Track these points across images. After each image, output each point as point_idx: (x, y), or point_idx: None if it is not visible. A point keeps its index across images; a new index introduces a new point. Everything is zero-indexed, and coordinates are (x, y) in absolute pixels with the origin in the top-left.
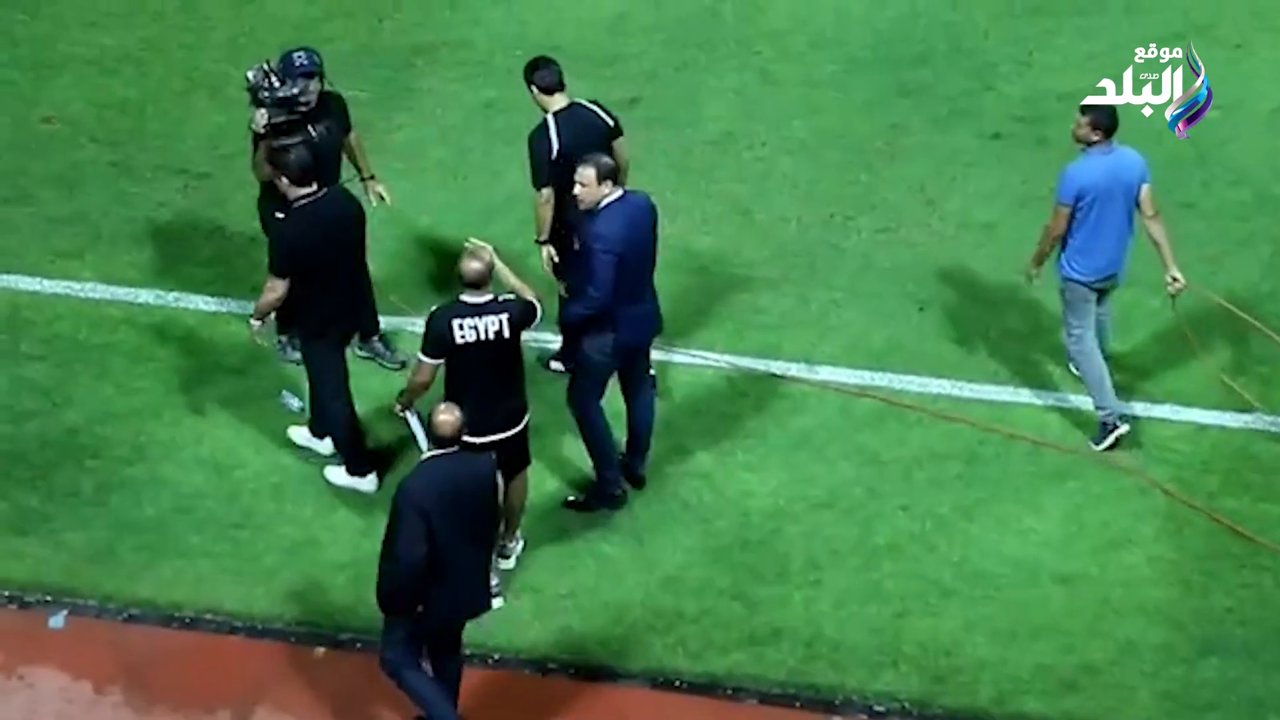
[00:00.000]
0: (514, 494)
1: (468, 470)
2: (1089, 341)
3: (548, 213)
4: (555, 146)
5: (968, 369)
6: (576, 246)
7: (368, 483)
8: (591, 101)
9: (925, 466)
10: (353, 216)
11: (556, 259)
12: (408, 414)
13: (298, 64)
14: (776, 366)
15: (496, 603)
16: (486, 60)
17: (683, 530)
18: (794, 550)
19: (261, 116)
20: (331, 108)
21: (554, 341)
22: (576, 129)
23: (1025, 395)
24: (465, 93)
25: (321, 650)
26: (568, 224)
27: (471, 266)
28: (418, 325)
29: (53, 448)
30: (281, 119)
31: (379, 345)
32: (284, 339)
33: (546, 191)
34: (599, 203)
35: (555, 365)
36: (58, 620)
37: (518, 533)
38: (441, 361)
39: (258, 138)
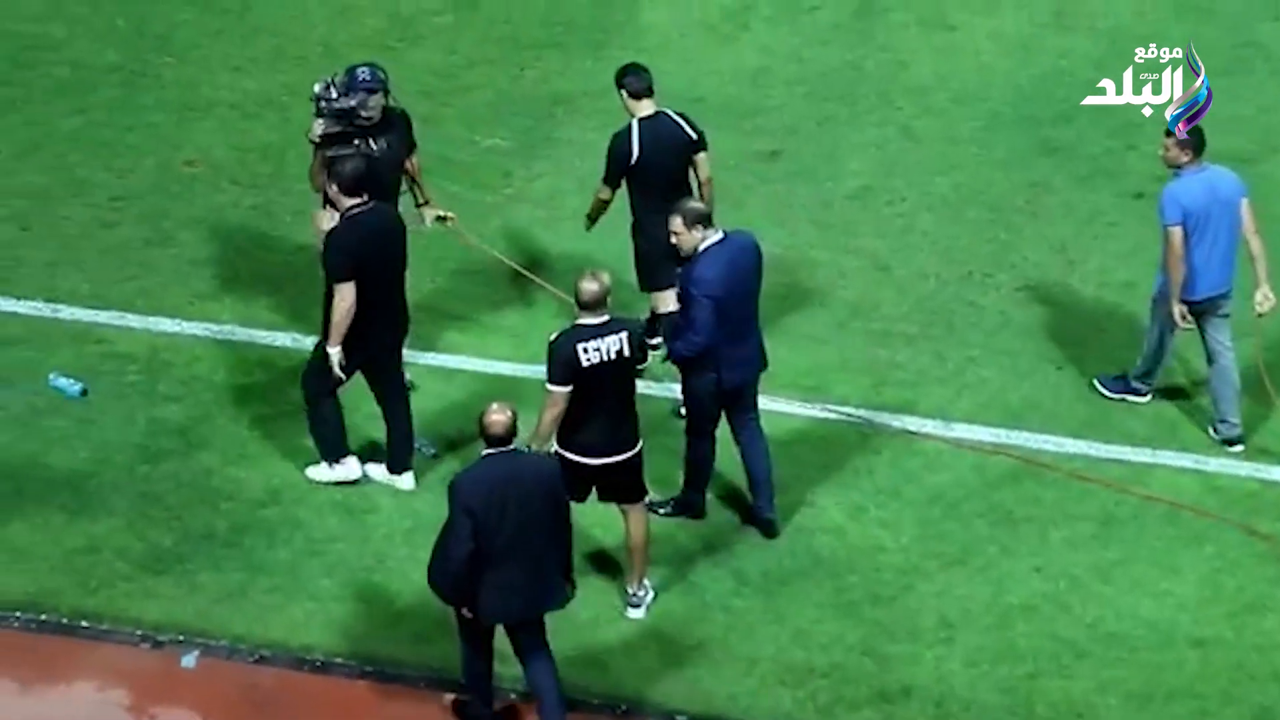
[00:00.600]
0: (634, 532)
1: (525, 470)
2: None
3: (602, 205)
4: (636, 152)
5: (1104, 429)
6: (678, 290)
7: (349, 467)
8: (678, 113)
9: (1060, 526)
10: (397, 233)
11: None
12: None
13: (360, 78)
14: (912, 422)
15: (636, 614)
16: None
17: (814, 585)
18: (926, 607)
19: (319, 126)
20: (396, 125)
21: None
22: (659, 137)
23: (1163, 457)
24: (604, 143)
25: (450, 696)
26: (638, 227)
27: (589, 287)
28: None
29: (188, 488)
30: (336, 130)
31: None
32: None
33: (609, 191)
34: (697, 247)
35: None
36: (189, 660)
37: (647, 582)
38: (570, 389)
39: (315, 147)
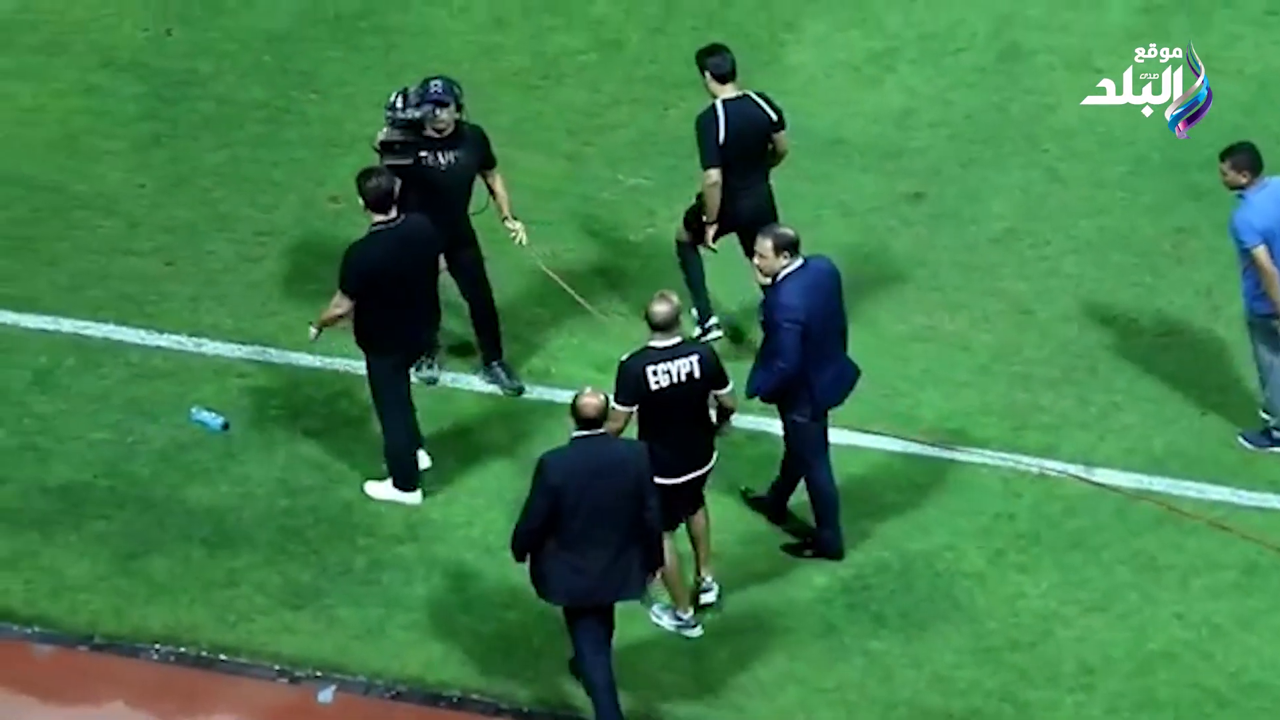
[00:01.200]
0: (698, 523)
1: (612, 455)
2: None
3: (717, 194)
4: (723, 132)
5: (1248, 476)
6: (761, 318)
7: (412, 498)
8: (759, 94)
9: (1202, 574)
10: (424, 243)
11: (713, 240)
12: None
13: (430, 90)
14: (1053, 466)
15: (709, 597)
16: None
17: (953, 629)
18: (1065, 654)
19: (382, 134)
20: (469, 139)
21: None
22: (742, 118)
23: None
24: None
25: None
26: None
27: (660, 309)
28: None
29: (327, 524)
30: (396, 139)
31: (499, 370)
32: (424, 360)
33: (715, 173)
34: (778, 274)
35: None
36: (326, 695)
37: (708, 577)
38: (635, 409)
39: (379, 154)
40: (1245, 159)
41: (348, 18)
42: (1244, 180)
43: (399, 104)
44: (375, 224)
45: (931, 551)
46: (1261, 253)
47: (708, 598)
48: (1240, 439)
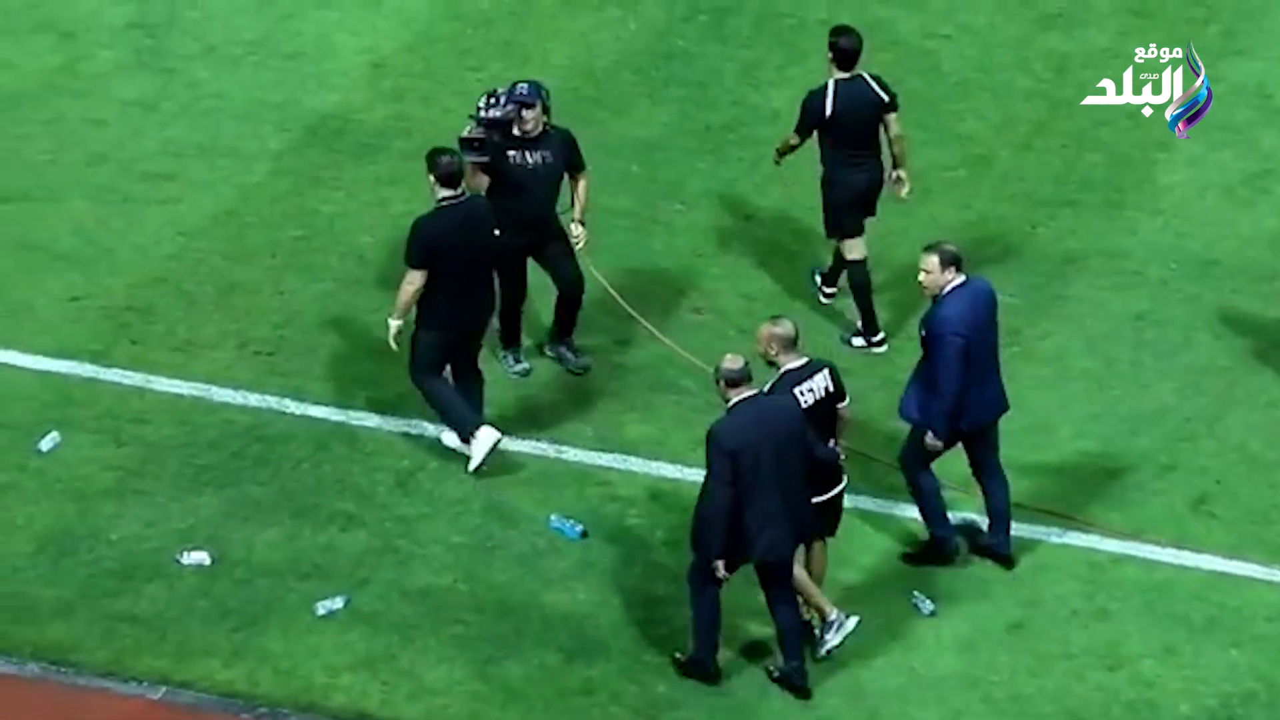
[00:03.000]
0: (815, 561)
1: (774, 410)
2: None
3: (789, 148)
4: (829, 109)
5: None
6: (923, 333)
7: (483, 439)
8: (873, 75)
9: None
10: (483, 224)
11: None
12: None
13: (516, 91)
14: None
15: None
16: (1140, 270)
17: None
18: None
19: (466, 129)
20: (555, 142)
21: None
22: (853, 97)
23: None
24: (1115, 302)
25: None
26: (827, 179)
27: (785, 330)
28: None
29: (684, 635)
30: (477, 136)
31: (564, 349)
32: (508, 353)
33: (797, 138)
34: (943, 289)
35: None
36: None
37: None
38: None
39: (460, 149)
40: None
41: (717, 129)
42: None
43: (484, 104)
44: (441, 200)
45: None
46: None
47: (852, 621)
48: None
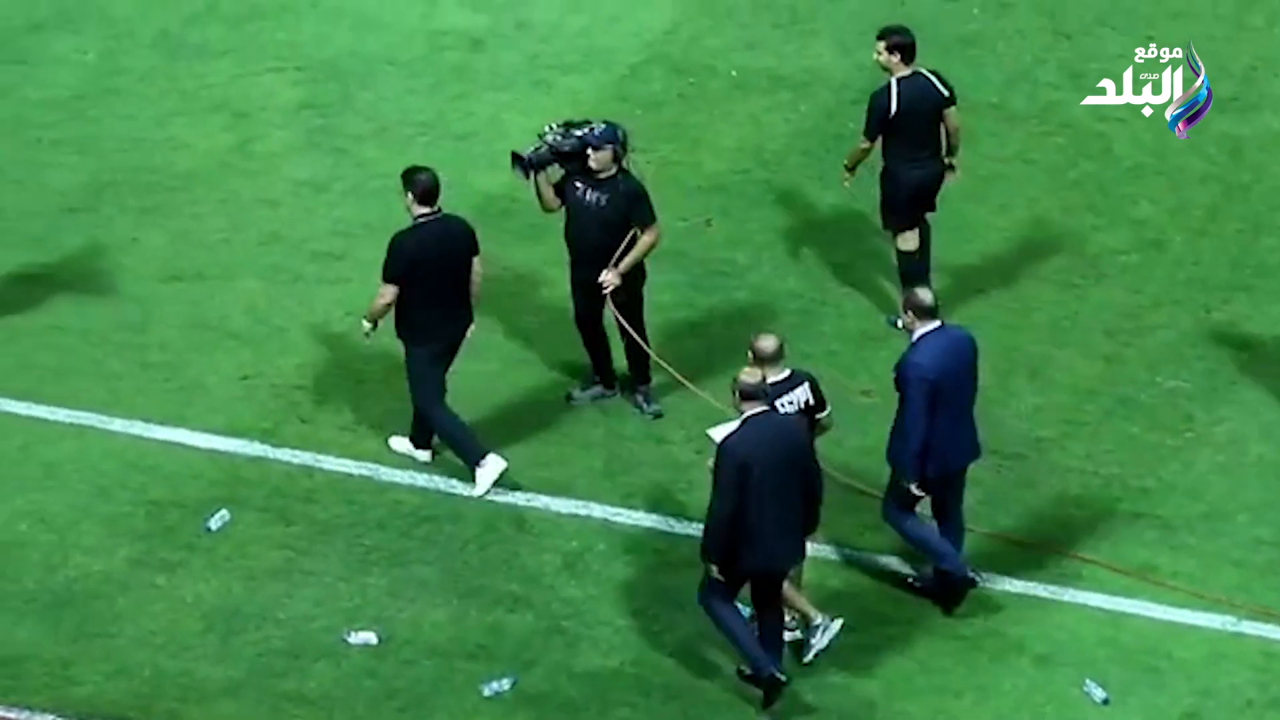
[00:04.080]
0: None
1: (780, 427)
2: None
3: (862, 155)
4: (894, 107)
5: None
6: (895, 375)
7: (490, 467)
8: (931, 71)
9: None
10: (459, 240)
11: (848, 179)
12: None
13: (591, 130)
14: None
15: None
16: None
17: None
18: None
19: (528, 148)
20: (620, 189)
21: None
22: (915, 93)
23: None
24: None
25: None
26: (887, 172)
27: (770, 343)
28: None
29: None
30: (528, 156)
31: (639, 397)
32: (575, 390)
33: (869, 142)
34: (915, 334)
35: None
36: None
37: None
38: None
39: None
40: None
41: None
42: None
43: (552, 126)
44: (418, 216)
45: None
46: None
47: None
48: None
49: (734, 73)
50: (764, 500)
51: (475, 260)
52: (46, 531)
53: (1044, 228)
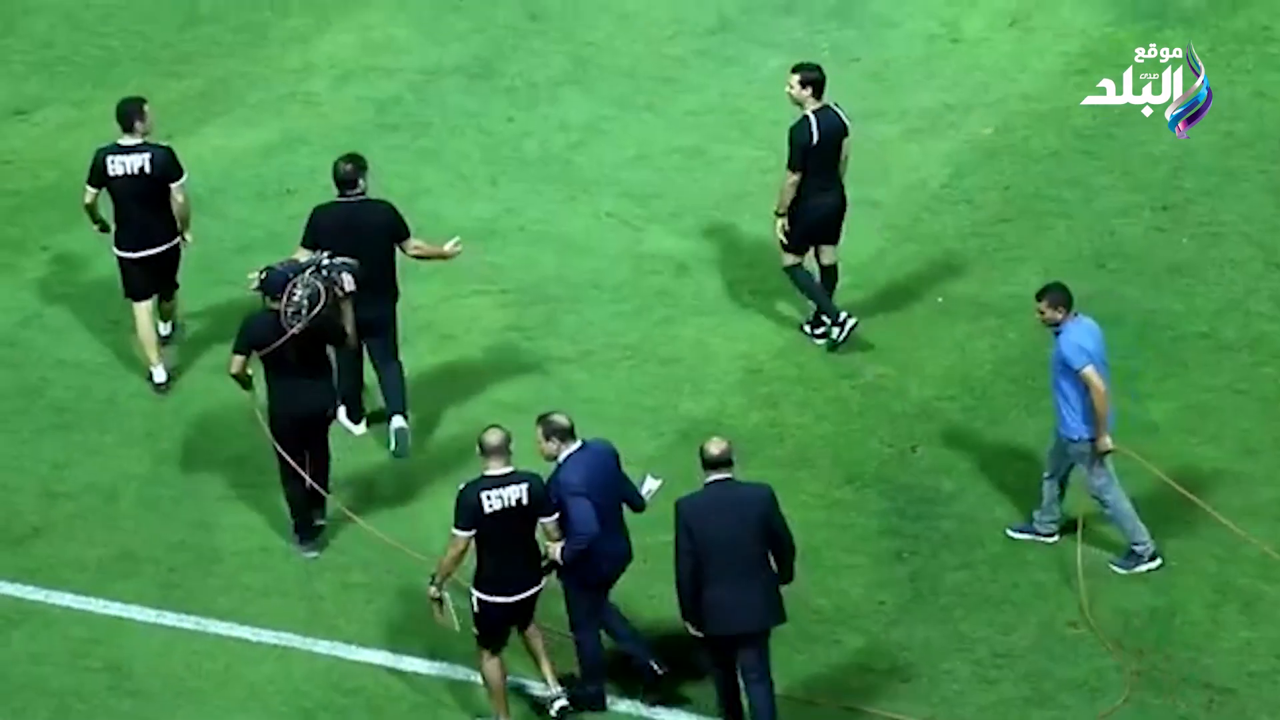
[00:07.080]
0: (533, 640)
1: (734, 495)
2: None
3: (791, 192)
4: (815, 136)
5: None
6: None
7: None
8: (834, 104)
9: None
10: (375, 225)
11: (787, 230)
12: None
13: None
14: None
15: (561, 703)
16: None
17: None
18: None
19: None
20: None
21: None
22: (827, 125)
23: None
24: None
25: None
26: (799, 200)
27: (493, 438)
28: None
29: None
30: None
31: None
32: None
33: (796, 176)
34: (558, 455)
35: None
36: None
37: (556, 686)
38: (473, 534)
39: None
40: (1060, 297)
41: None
42: (1059, 316)
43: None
44: (338, 197)
45: None
46: (1091, 372)
47: (560, 704)
48: None
49: (940, 299)
50: (714, 565)
51: None
52: None
53: (1255, 459)
